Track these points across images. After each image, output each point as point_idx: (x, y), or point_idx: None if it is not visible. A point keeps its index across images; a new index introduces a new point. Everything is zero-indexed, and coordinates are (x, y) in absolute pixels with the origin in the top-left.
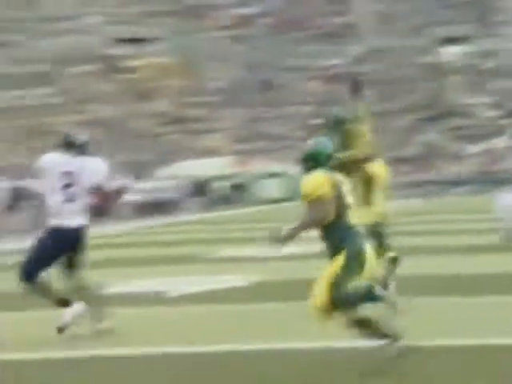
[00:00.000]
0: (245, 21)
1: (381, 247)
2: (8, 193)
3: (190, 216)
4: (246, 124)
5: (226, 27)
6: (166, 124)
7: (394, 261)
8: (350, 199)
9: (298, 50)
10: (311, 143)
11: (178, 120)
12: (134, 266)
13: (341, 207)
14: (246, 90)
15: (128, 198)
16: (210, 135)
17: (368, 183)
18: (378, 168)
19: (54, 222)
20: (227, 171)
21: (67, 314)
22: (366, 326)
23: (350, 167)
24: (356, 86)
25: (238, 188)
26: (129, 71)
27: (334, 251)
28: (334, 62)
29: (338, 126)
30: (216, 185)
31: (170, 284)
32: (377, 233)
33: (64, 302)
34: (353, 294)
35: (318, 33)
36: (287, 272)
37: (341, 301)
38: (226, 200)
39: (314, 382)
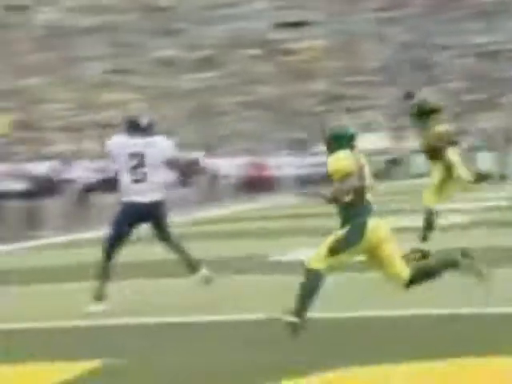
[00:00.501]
0: (401, 2)
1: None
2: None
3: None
4: (401, 101)
5: (382, 9)
6: (325, 103)
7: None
8: (369, 181)
9: (452, 29)
10: (334, 126)
11: (336, 99)
12: (293, 236)
13: (360, 187)
14: (400, 68)
15: (289, 172)
16: (367, 113)
17: (447, 170)
18: (454, 156)
19: (125, 199)
20: (383, 146)
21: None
22: None
23: (432, 152)
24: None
25: (394, 162)
26: (290, 54)
27: (344, 220)
28: (488, 39)
29: (423, 114)
30: (372, 159)
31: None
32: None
33: None
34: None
35: (473, 11)
36: (444, 243)
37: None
38: (382, 174)
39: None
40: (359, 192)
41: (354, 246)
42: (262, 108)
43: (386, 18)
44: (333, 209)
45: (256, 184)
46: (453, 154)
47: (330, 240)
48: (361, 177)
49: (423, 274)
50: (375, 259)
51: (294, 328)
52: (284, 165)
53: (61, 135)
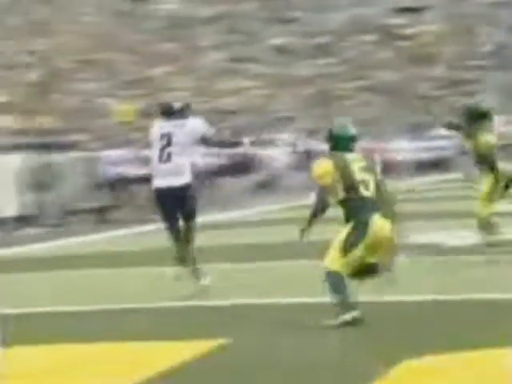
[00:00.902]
0: None
1: None
2: (300, 154)
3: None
4: None
5: None
6: (442, 87)
7: None
8: (361, 175)
9: None
10: (336, 125)
11: (452, 83)
12: (414, 219)
13: (350, 184)
14: None
15: (407, 156)
16: (482, 96)
17: (495, 177)
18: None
19: (154, 183)
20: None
21: None
22: None
23: (481, 160)
24: None
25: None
26: (405, 39)
27: (346, 221)
28: None
29: (474, 117)
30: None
31: (445, 236)
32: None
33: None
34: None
35: None
36: None
37: None
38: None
39: None
40: (349, 189)
41: (362, 240)
42: (379, 93)
43: (499, 1)
44: (463, 192)
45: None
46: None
47: (338, 241)
48: (347, 175)
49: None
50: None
51: (356, 321)
52: (403, 149)
53: None
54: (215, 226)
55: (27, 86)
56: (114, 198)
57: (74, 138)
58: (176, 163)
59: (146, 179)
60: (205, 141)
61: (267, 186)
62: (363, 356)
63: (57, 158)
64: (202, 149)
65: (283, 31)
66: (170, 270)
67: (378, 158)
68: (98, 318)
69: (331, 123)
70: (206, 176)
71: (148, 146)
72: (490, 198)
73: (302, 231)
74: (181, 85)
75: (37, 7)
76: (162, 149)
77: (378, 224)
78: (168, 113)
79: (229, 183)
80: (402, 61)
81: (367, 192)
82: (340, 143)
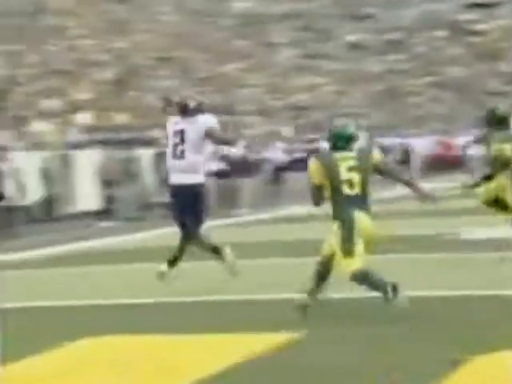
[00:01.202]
0: None
1: None
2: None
3: None
4: None
5: None
6: (511, 83)
7: None
8: (347, 175)
9: None
10: (336, 125)
11: None
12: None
13: (336, 182)
14: None
15: (475, 152)
16: None
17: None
18: None
19: (170, 179)
20: None
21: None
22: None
23: (498, 164)
24: None
25: None
26: (476, 34)
27: (332, 216)
28: None
29: (498, 122)
30: None
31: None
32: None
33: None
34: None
35: None
36: None
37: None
38: None
39: None
40: (334, 187)
41: (355, 234)
42: (448, 89)
43: None
44: None
45: (443, 163)
46: None
47: (337, 246)
48: (334, 174)
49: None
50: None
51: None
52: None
53: (256, 118)
54: (287, 220)
55: (105, 84)
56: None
57: (150, 134)
58: (189, 160)
59: (219, 174)
60: (208, 135)
61: None
62: (426, 354)
63: (134, 153)
64: (280, 144)
65: (356, 28)
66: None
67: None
68: (172, 310)
69: (401, 119)
70: (280, 171)
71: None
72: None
73: None
74: (254, 81)
75: (116, 7)
76: (175, 146)
77: (361, 219)
78: (184, 110)
79: (298, 178)
80: (471, 57)
81: (351, 191)
82: (338, 143)
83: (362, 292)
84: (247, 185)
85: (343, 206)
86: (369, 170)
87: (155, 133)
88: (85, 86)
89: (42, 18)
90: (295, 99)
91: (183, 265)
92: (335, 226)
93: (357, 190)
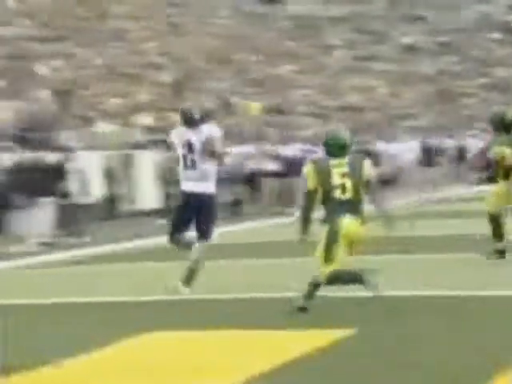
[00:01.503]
0: None
1: None
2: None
3: None
4: None
5: None
6: None
7: None
8: (340, 180)
9: None
10: (330, 132)
11: None
12: None
13: (328, 186)
14: None
15: None
16: None
17: None
18: None
19: (181, 187)
20: None
21: None
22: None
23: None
24: None
25: None
26: None
27: (324, 219)
28: None
29: (504, 127)
30: None
31: None
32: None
33: None
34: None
35: None
36: None
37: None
38: None
39: None
40: (326, 191)
41: (336, 241)
42: (500, 91)
43: None
44: None
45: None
46: None
47: (320, 249)
48: (326, 179)
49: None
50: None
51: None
52: None
53: (309, 119)
54: None
55: (164, 86)
56: (248, 191)
57: None
58: (201, 170)
59: (278, 174)
60: (205, 145)
61: (392, 182)
62: (477, 354)
63: None
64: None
65: (409, 30)
66: (289, 261)
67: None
68: (230, 305)
69: (452, 120)
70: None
71: (280, 141)
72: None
73: (301, 232)
74: (308, 83)
75: (175, 11)
76: (185, 156)
77: (347, 224)
78: (189, 120)
79: None
80: None
81: (343, 196)
82: (331, 149)
83: (410, 290)
84: (300, 185)
85: (334, 210)
86: (359, 177)
87: None
88: (145, 88)
89: (106, 22)
90: (348, 100)
91: (240, 263)
92: (324, 230)
93: (349, 195)
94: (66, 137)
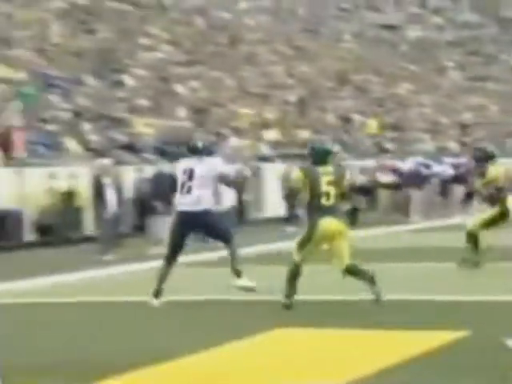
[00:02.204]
0: None
1: None
2: None
3: None
4: None
5: None
6: None
7: None
8: (326, 188)
9: None
10: (316, 143)
11: None
12: None
13: (314, 192)
14: None
15: None
16: None
17: (503, 215)
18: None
19: (176, 209)
20: None
21: None
22: None
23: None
24: None
25: None
26: None
27: (307, 220)
28: None
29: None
30: None
31: None
32: None
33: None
34: None
35: None
36: None
37: None
38: None
39: None
40: (312, 196)
41: (310, 240)
42: None
43: None
44: None
45: None
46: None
47: (298, 240)
48: (314, 185)
49: (361, 272)
50: (331, 249)
51: (286, 307)
52: None
53: (425, 135)
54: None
55: (290, 104)
56: (365, 201)
57: None
58: (196, 195)
59: (394, 185)
60: (222, 179)
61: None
62: None
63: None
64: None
65: None
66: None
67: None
68: (351, 307)
69: None
70: (447, 183)
71: (397, 155)
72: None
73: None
74: (422, 101)
75: (301, 36)
76: (183, 183)
77: (327, 222)
78: (193, 150)
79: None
80: None
81: (327, 202)
82: (317, 157)
83: None
84: (417, 196)
85: (318, 214)
86: (342, 185)
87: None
88: (273, 107)
89: (239, 48)
90: (462, 118)
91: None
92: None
93: (332, 202)
94: None
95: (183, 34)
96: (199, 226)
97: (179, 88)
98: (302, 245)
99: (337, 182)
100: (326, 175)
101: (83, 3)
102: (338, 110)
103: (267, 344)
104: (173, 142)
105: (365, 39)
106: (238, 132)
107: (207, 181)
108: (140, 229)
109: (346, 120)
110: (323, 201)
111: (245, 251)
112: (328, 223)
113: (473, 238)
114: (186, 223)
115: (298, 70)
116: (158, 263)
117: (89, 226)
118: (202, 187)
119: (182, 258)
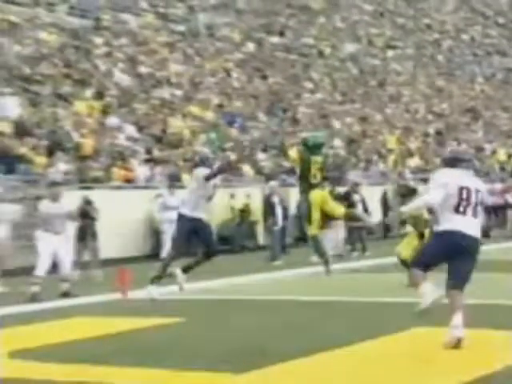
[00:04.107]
0: None
1: None
2: None
3: None
4: None
5: None
6: None
7: None
8: (315, 171)
9: None
10: (308, 134)
11: None
12: None
13: (306, 172)
14: None
15: None
16: None
17: None
18: None
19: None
20: None
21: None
22: None
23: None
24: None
25: None
26: None
27: (300, 190)
28: None
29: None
30: None
31: None
32: None
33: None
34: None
35: None
36: None
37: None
38: None
39: None
40: (305, 176)
41: (310, 208)
42: None
43: None
44: None
45: None
46: None
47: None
48: (304, 167)
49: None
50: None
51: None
52: None
53: None
54: None
55: (429, 136)
56: (495, 220)
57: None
58: (194, 202)
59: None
60: (207, 178)
61: None
62: None
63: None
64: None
65: None
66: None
67: None
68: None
69: None
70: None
71: None
72: None
73: None
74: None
75: (440, 78)
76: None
77: (316, 193)
78: (204, 162)
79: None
80: None
81: (315, 180)
82: (311, 148)
83: None
84: None
85: (308, 188)
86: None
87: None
88: (415, 138)
89: (386, 88)
90: None
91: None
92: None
93: (318, 180)
94: (353, 174)
95: (339, 78)
96: (197, 230)
97: (336, 123)
98: (310, 218)
99: (322, 169)
100: (315, 163)
101: (258, 54)
102: (471, 141)
103: (404, 342)
104: (329, 169)
105: (494, 81)
106: (385, 159)
107: (195, 191)
108: (302, 240)
109: (478, 149)
110: (312, 179)
111: (388, 261)
112: (317, 194)
113: None
114: (187, 226)
115: (437, 107)
116: (319, 269)
117: (261, 236)
118: (192, 195)
119: (334, 266)
